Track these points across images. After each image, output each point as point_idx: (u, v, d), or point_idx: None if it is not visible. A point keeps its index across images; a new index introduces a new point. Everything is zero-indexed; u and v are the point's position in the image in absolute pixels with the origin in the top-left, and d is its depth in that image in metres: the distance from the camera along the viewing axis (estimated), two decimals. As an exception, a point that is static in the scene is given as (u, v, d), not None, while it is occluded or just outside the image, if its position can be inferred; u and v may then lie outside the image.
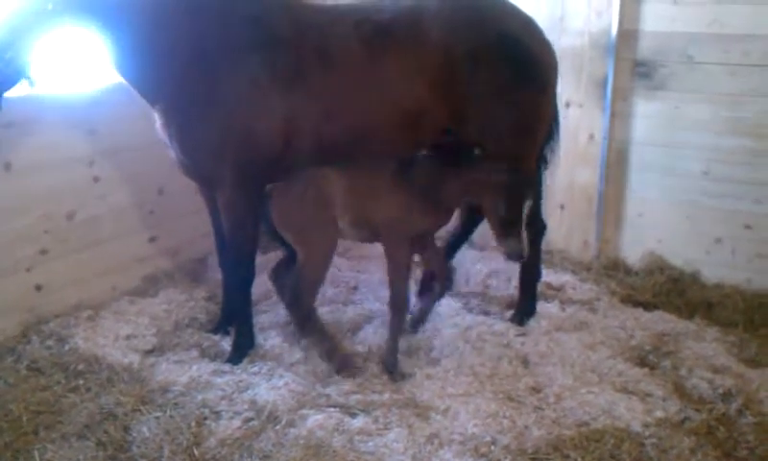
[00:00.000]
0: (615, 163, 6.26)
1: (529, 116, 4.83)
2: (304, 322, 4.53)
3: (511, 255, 4.36)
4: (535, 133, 4.95)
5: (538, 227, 5.20)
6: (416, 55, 4.52)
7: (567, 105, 6.31)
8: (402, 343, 4.76)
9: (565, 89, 6.29)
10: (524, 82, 4.69)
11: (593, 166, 6.30)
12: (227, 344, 4.86)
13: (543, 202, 5.42)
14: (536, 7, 6.05)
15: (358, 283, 5.98)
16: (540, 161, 5.19)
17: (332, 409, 4.09)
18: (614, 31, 5.98)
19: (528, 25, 4.84)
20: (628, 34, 6.01)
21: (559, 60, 6.18)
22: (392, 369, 4.52)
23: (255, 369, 4.52)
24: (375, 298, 5.61)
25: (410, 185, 4.51)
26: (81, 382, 4.32)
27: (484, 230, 6.49)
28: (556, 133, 5.25)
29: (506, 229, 4.32)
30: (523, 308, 5.31)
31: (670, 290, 5.73)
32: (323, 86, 4.46)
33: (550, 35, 6.09)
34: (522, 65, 4.66)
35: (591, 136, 6.28)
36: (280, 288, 4.74)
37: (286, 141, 4.47)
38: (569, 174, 6.42)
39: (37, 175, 4.81)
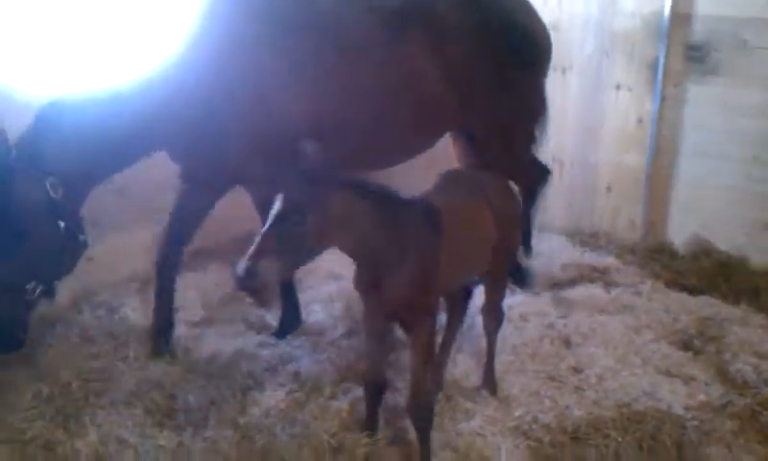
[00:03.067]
0: (664, 147, 6.18)
1: (531, 98, 4.98)
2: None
3: None
4: (535, 114, 5.09)
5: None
6: (431, 40, 4.46)
7: (618, 87, 6.26)
8: (441, 320, 4.81)
9: (616, 72, 6.26)
10: (528, 66, 4.87)
11: (641, 149, 6.24)
12: (271, 318, 4.93)
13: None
14: (588, -12, 6.07)
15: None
16: (531, 141, 5.28)
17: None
18: (667, 13, 5.90)
19: (529, 9, 5.00)
20: (681, 17, 5.92)
21: (610, 42, 6.18)
22: None
23: (299, 342, 4.60)
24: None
25: None
26: (130, 352, 4.42)
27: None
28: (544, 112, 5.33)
29: None
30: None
31: (716, 275, 5.66)
32: (338, 73, 4.27)
33: (602, 16, 6.11)
34: (527, 50, 4.83)
35: (640, 120, 6.21)
36: None
37: (313, 128, 4.16)
38: (617, 156, 6.38)
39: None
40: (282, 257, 2.95)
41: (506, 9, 4.80)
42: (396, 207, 3.27)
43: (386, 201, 3.23)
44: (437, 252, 3.32)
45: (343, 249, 3.25)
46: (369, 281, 3.34)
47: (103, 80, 3.96)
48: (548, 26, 6.37)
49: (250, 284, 2.94)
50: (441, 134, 4.93)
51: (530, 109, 5.04)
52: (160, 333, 4.47)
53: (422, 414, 3.42)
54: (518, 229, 4.10)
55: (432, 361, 3.65)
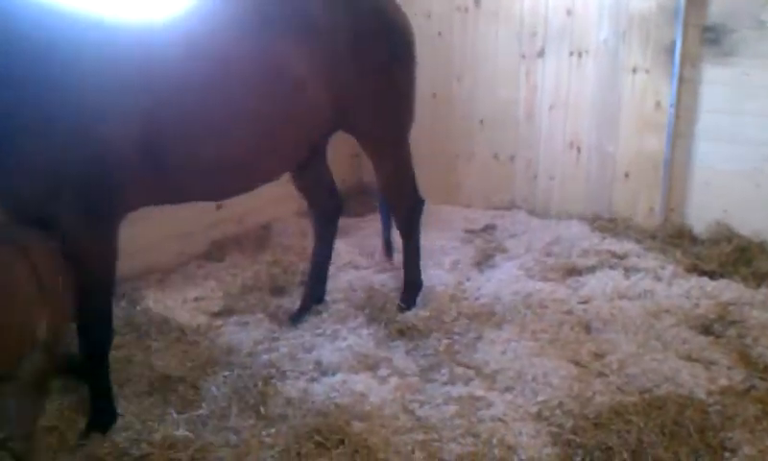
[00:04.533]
0: (682, 131, 6.14)
1: (406, 94, 4.71)
2: None
3: None
4: (412, 110, 4.79)
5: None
6: (304, 43, 4.01)
7: (634, 70, 6.21)
8: (461, 307, 4.85)
9: (632, 55, 6.21)
10: (400, 59, 4.57)
11: (660, 134, 6.19)
12: (290, 306, 4.96)
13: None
14: (604, -30, 6.06)
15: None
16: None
17: (392, 373, 4.17)
18: (683, -5, 5.87)
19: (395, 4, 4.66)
20: (697, -2, 5.88)
21: (626, 25, 6.12)
22: None
23: (320, 331, 4.62)
24: (436, 264, 5.64)
25: None
26: (152, 342, 4.46)
27: (545, 198, 6.56)
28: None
29: None
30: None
31: (737, 259, 5.62)
32: (192, 86, 3.63)
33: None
34: (397, 43, 4.54)
35: (658, 103, 6.17)
36: None
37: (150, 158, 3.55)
38: (635, 141, 6.34)
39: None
40: None
41: (377, 2, 4.50)
42: None
43: None
44: None
45: None
46: None
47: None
48: (563, 10, 6.39)
49: None
50: (316, 143, 4.46)
51: (409, 105, 4.74)
52: None
53: None
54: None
55: None
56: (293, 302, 5.02)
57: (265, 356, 4.28)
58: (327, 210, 5.02)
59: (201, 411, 3.81)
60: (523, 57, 6.71)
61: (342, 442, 3.48)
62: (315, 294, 5.01)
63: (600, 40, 6.33)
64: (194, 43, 3.67)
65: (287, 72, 3.92)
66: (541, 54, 6.64)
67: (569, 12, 6.42)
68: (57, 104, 3.18)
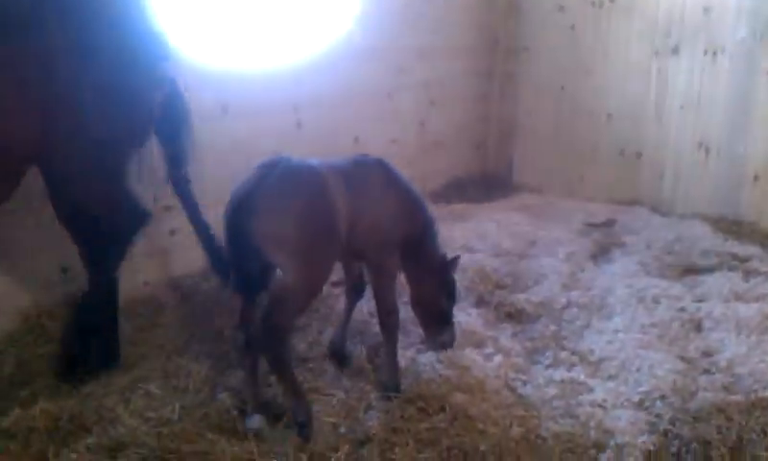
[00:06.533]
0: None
1: (127, 125, 3.76)
2: (283, 360, 3.45)
3: (444, 346, 4.14)
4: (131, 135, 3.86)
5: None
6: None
7: (768, 71, 6.08)
8: (572, 296, 4.92)
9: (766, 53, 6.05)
10: (138, 81, 3.69)
11: (793, 136, 6.04)
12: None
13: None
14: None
15: (536, 238, 6.09)
16: (179, 165, 4.06)
17: (497, 352, 4.31)
18: (827, -4, 5.69)
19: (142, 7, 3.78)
20: (841, 0, 5.70)
21: (764, 26, 5.99)
22: (394, 389, 3.85)
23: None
24: (551, 254, 5.71)
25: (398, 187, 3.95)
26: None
27: (670, 197, 6.48)
28: (187, 134, 4.07)
29: (443, 320, 4.15)
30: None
31: None
32: None
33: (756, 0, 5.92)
34: (138, 62, 3.66)
35: (793, 103, 6.02)
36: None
37: None
38: (766, 144, 6.18)
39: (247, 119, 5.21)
40: None
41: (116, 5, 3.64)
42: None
43: None
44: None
45: None
46: None
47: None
48: (700, 8, 6.27)
49: None
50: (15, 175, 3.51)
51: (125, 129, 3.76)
52: None
53: (395, 319, 3.97)
54: None
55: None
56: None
57: (376, 325, 4.47)
58: None
59: (311, 364, 4.11)
60: (656, 54, 6.67)
61: (443, 409, 3.67)
62: None
63: (736, 40, 6.22)
64: None
65: None
66: (675, 51, 6.58)
67: (706, 10, 6.33)
68: None
